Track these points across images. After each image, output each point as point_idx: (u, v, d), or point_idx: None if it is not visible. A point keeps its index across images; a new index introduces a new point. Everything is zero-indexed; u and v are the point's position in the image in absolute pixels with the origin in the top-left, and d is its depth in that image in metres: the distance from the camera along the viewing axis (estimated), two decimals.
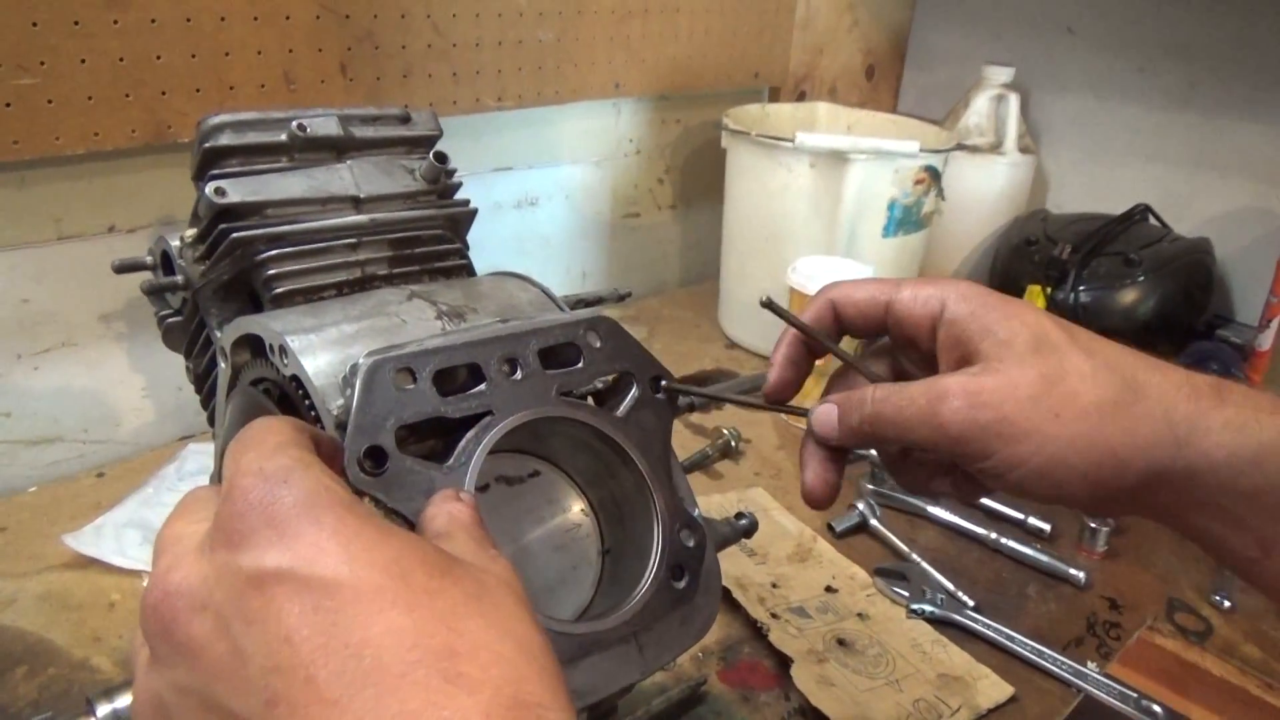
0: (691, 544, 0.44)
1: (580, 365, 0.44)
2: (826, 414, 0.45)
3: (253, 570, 0.26)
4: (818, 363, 1.03)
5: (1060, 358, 0.41)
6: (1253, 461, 0.40)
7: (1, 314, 0.84)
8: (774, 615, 0.74)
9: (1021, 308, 0.43)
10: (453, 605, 0.26)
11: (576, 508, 0.45)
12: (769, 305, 0.46)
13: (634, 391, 0.45)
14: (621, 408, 0.45)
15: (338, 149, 0.55)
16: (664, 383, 0.46)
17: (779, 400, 0.48)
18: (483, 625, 0.26)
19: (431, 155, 0.56)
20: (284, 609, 0.25)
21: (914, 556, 0.83)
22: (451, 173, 0.58)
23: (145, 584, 0.28)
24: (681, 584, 0.43)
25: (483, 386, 0.40)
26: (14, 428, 0.87)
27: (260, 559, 0.26)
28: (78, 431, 0.91)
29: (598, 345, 0.45)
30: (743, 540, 0.53)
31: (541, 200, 1.26)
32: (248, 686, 0.25)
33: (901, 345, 0.47)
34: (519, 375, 0.41)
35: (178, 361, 0.63)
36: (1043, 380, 0.40)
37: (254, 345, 0.46)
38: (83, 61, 0.78)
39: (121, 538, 0.77)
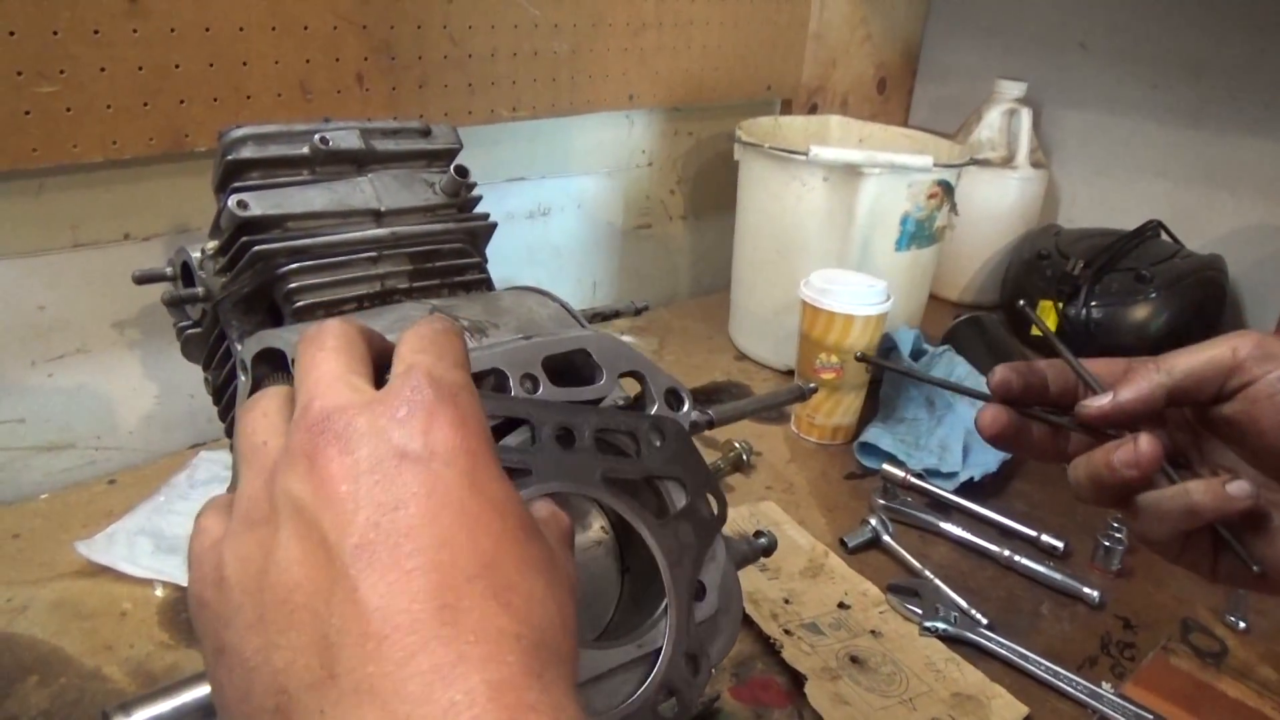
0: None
1: (633, 458, 0.42)
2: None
3: (400, 445, 0.29)
4: (826, 377, 1.00)
5: None
6: None
7: (16, 321, 0.84)
8: (787, 631, 0.74)
9: None
10: (528, 559, 0.29)
11: (597, 525, 0.45)
12: (1047, 334, 0.52)
13: (682, 501, 0.43)
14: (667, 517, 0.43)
15: (359, 162, 0.55)
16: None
17: (999, 394, 0.50)
18: (543, 585, 0.29)
19: (452, 169, 0.56)
20: (407, 487, 0.28)
21: (926, 573, 0.83)
22: (471, 186, 0.58)
23: (312, 408, 0.31)
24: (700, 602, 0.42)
25: (531, 446, 0.39)
26: (27, 434, 0.87)
27: (409, 440, 0.29)
28: (90, 438, 0.91)
29: (657, 444, 0.43)
30: None
31: (554, 211, 1.26)
32: (349, 527, 0.27)
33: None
34: (570, 449, 0.40)
35: (190, 369, 0.63)
36: None
37: (275, 359, 0.46)
38: (102, 70, 0.78)
39: (133, 546, 0.77)
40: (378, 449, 0.29)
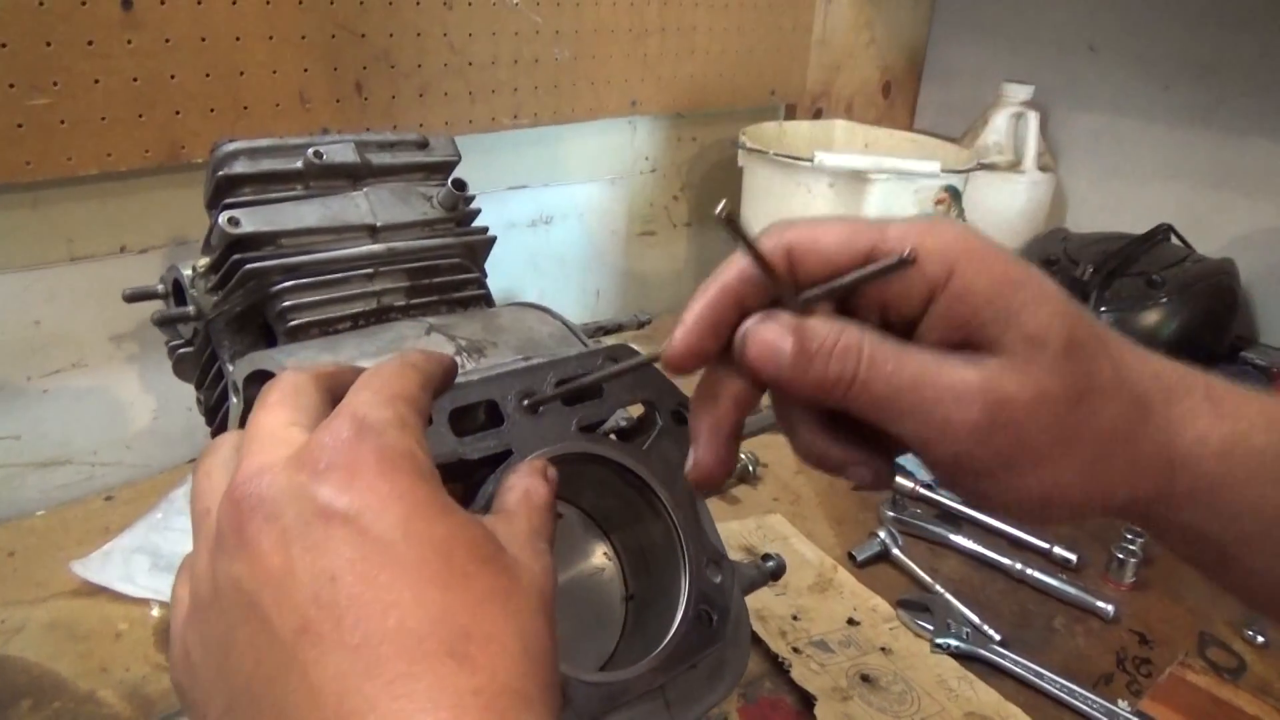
0: (718, 580, 0.42)
1: (600, 398, 0.42)
2: (774, 340, 0.33)
3: (324, 503, 0.27)
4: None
5: (1090, 366, 0.34)
6: (1239, 477, 0.36)
7: (12, 335, 0.83)
8: (795, 650, 0.72)
9: (1052, 291, 0.34)
10: (481, 593, 0.28)
11: (599, 551, 0.44)
12: (728, 220, 0.33)
13: (656, 422, 0.44)
14: (647, 443, 0.43)
15: (354, 176, 0.54)
16: None
17: (680, 371, 0.35)
18: (502, 618, 0.28)
19: (450, 182, 0.55)
20: (339, 549, 0.27)
21: (937, 587, 0.81)
22: (470, 200, 0.56)
23: (237, 475, 0.29)
24: (711, 625, 0.41)
25: (502, 425, 0.39)
26: (23, 450, 0.86)
27: (333, 496, 0.27)
28: (87, 454, 0.90)
29: None
30: None
31: (556, 219, 1.25)
32: (289, 606, 0.27)
33: (871, 305, 0.35)
34: (538, 411, 0.40)
35: (189, 385, 0.62)
36: (1069, 394, 0.33)
37: (267, 381, 0.45)
38: (96, 81, 0.77)
39: (130, 564, 0.76)
40: (302, 510, 0.28)
